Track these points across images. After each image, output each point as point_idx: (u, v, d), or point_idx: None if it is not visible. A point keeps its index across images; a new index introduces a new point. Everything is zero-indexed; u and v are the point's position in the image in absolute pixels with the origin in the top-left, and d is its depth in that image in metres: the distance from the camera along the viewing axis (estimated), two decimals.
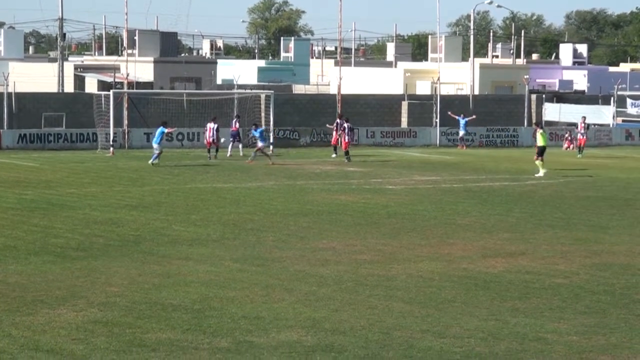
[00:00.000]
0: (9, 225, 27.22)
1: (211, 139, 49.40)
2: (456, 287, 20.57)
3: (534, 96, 70.35)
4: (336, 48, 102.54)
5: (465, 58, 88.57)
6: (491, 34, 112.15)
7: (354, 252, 24.53)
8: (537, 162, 43.43)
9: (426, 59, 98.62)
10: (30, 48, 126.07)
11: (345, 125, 50.62)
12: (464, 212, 31.87)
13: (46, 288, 19.59)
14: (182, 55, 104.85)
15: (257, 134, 47.27)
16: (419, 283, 20.93)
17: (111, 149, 51.90)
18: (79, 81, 75.28)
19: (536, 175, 42.87)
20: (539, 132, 44.26)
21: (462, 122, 59.67)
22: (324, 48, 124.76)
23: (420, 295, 19.75)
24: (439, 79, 65.93)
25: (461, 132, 60.08)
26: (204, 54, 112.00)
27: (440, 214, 31.50)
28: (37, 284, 19.93)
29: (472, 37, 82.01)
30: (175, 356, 15.17)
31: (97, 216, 29.52)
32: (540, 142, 43.59)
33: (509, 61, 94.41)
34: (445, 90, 73.05)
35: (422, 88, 75.88)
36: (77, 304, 18.32)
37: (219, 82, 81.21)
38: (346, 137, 50.16)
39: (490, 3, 79.50)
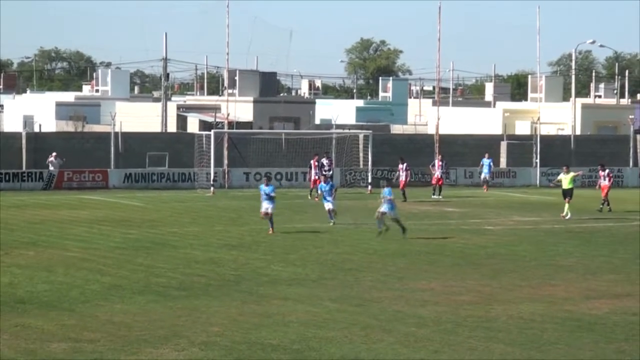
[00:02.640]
0: (115, 265, 27.74)
1: (316, 177, 48.64)
2: (559, 329, 20.30)
3: (639, 136, 69.12)
4: (434, 88, 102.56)
5: (566, 98, 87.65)
6: (593, 73, 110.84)
7: (452, 293, 24.40)
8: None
9: (526, 99, 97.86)
10: (136, 88, 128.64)
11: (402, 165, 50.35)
12: (566, 253, 31.46)
13: (149, 327, 19.90)
14: (281, 95, 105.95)
15: (326, 189, 38.16)
16: (520, 324, 20.72)
17: (212, 188, 52.56)
18: (182, 121, 76.51)
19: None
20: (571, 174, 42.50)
21: (486, 163, 56.44)
22: (422, 88, 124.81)
23: (521, 337, 19.54)
24: (539, 119, 65.32)
25: (484, 174, 56.19)
26: (302, 94, 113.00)
27: (541, 255, 31.14)
28: (141, 323, 20.27)
29: (573, 76, 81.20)
30: None
31: (198, 255, 29.91)
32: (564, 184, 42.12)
33: (612, 101, 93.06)
34: (546, 130, 72.35)
35: (522, 128, 75.25)
36: (179, 343, 18.58)
37: (317, 121, 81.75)
38: (402, 177, 49.84)
39: (593, 43, 78.66)
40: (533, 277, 26.91)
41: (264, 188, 35.10)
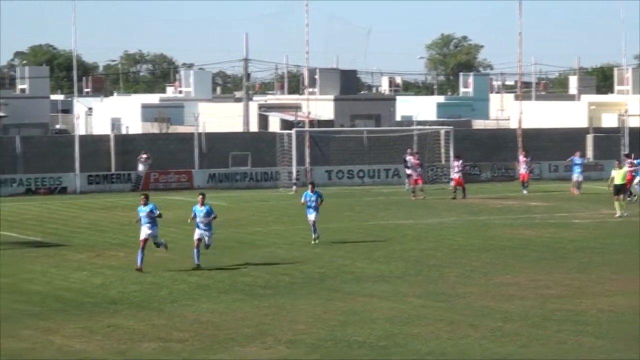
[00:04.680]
0: (201, 264, 27.97)
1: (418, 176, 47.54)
2: None
3: None
4: (516, 82, 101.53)
5: None
6: None
7: (539, 287, 24.16)
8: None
9: (612, 92, 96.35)
10: (218, 88, 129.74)
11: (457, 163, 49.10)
12: None
13: (236, 326, 20.06)
14: (362, 92, 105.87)
15: (311, 199, 32.83)
16: (611, 318, 20.43)
17: (294, 187, 52.74)
18: (263, 120, 76.93)
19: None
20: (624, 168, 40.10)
21: (578, 162, 50.86)
22: (504, 83, 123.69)
23: (612, 331, 19.27)
24: (626, 110, 64.33)
25: (577, 175, 50.22)
26: (382, 91, 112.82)
27: (632, 247, 30.64)
28: (228, 322, 20.44)
29: None
30: None
31: (282, 254, 30.07)
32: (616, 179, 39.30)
33: None
34: (635, 122, 71.13)
35: (608, 121, 74.08)
36: (266, 341, 18.70)
37: (398, 118, 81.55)
38: (457, 174, 48.38)
39: None
40: (624, 270, 26.52)
41: (199, 209, 27.93)
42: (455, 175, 48.29)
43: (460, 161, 48.98)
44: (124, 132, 69.32)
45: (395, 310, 21.50)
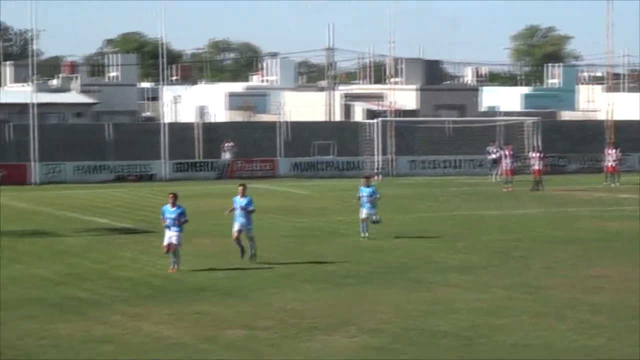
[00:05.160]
0: (284, 253, 28.23)
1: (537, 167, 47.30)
2: None
3: None
4: (605, 74, 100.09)
5: None
6: None
7: (629, 279, 23.85)
8: None
9: None
10: (302, 77, 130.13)
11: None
12: None
13: (320, 314, 20.19)
14: (446, 82, 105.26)
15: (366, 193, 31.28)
16: None
17: (378, 176, 52.78)
18: (347, 110, 77.05)
19: None
20: None
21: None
22: (592, 74, 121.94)
23: None
24: None
25: None
26: (467, 82, 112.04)
27: None
28: (312, 311, 20.59)
29: None
30: None
31: (365, 243, 30.13)
32: None
33: None
34: None
35: None
36: (349, 330, 18.80)
37: (482, 109, 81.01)
38: (537, 165, 47.69)
39: None
40: None
41: (239, 200, 26.72)
42: (535, 166, 47.86)
43: (540, 153, 48.59)
44: (209, 120, 69.96)
45: (479, 301, 21.44)
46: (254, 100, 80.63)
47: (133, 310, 20.46)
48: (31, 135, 51.44)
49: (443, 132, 59.07)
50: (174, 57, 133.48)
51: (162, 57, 57.50)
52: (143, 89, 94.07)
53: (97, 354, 16.98)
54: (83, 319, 19.56)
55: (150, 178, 52.70)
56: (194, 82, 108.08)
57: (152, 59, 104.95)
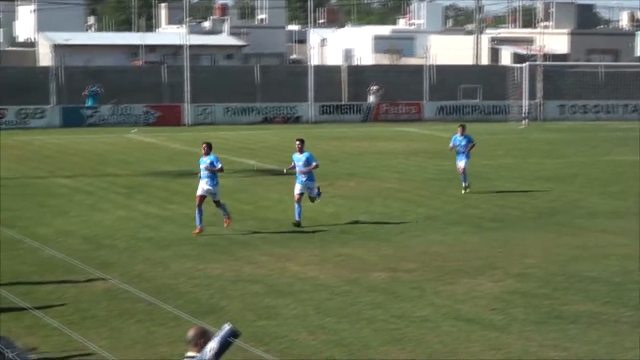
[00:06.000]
0: (429, 196, 28.11)
1: None
2: None
3: None
4: None
5: None
6: None
7: None
8: None
9: None
10: (449, 21, 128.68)
11: None
12: None
13: (464, 258, 20.07)
14: (599, 27, 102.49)
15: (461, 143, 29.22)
16: None
17: (525, 121, 51.97)
18: (494, 54, 75.89)
19: None
20: None
21: None
22: None
23: None
24: None
25: None
26: (621, 27, 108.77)
27: None
28: (456, 254, 20.48)
29: None
30: (595, 328, 15.04)
31: (512, 187, 29.76)
32: None
33: None
34: None
35: None
36: (495, 274, 18.63)
37: (638, 54, 78.58)
38: None
39: None
40: None
41: (298, 157, 23.80)
42: None
43: None
44: (355, 63, 69.90)
45: (631, 247, 20.93)
46: (400, 44, 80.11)
47: (279, 251, 20.73)
48: (185, 76, 52.38)
49: (595, 77, 57.62)
50: (321, 0, 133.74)
51: (310, 0, 57.56)
52: (291, 31, 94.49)
53: (246, 294, 17.28)
54: (233, 259, 19.92)
55: (297, 120, 53.10)
56: (341, 25, 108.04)
57: (300, 1, 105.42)
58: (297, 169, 23.50)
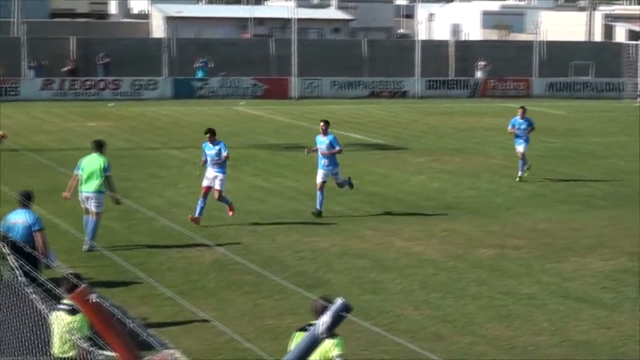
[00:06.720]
0: (537, 173, 27.69)
1: None
2: None
3: None
4: None
5: None
6: None
7: None
8: None
9: None
10: None
11: None
12: None
13: (573, 236, 19.79)
14: None
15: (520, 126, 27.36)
16: None
17: (639, 98, 50.91)
18: (608, 30, 74.41)
19: None
20: None
21: None
22: None
23: None
24: None
25: None
26: None
27: None
28: (564, 232, 20.21)
29: None
30: None
31: (623, 166, 29.20)
32: None
33: None
34: None
35: None
36: (605, 253, 18.33)
37: None
38: None
39: None
40: None
41: (321, 139, 22.19)
42: None
43: None
44: (463, 38, 69.27)
45: None
46: (509, 19, 79.10)
47: (385, 226, 20.71)
48: (292, 49, 52.57)
49: None
50: None
51: None
52: (398, 6, 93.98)
53: (352, 268, 17.33)
54: (338, 233, 19.96)
55: (403, 95, 52.88)
56: (449, 0, 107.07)
57: None
58: (320, 151, 22.04)
